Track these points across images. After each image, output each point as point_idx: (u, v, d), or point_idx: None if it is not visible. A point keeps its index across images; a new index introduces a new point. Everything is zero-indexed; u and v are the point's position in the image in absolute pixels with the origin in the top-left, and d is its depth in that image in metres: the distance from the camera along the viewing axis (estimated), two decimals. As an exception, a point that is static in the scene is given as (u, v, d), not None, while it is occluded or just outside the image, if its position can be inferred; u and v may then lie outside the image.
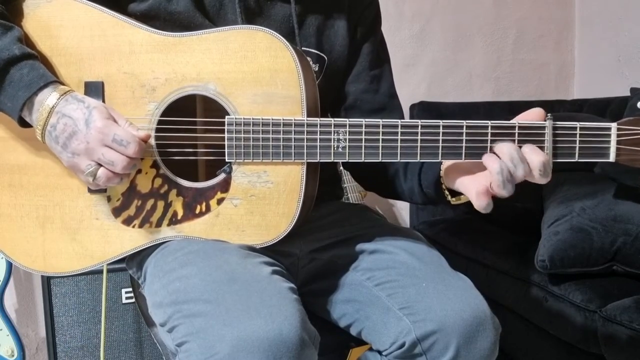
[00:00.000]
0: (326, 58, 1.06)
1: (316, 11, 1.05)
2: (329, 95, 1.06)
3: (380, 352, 0.97)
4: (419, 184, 1.01)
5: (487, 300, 0.94)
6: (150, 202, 0.93)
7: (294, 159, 0.89)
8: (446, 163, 0.94)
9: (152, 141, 0.91)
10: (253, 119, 0.88)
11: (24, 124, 0.88)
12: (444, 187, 0.95)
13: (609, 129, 0.84)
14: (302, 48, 1.02)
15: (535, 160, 0.83)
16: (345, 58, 1.09)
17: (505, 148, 0.83)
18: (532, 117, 0.86)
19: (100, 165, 0.85)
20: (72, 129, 0.84)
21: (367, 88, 1.11)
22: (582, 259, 1.53)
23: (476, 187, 0.86)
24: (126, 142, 0.84)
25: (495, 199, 0.86)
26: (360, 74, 1.11)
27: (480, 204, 0.85)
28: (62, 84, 0.89)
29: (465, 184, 0.89)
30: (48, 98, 0.85)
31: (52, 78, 0.87)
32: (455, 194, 0.95)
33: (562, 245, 1.54)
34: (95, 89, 0.91)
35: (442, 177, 0.95)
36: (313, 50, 1.04)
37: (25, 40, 0.90)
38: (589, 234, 1.53)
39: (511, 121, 0.85)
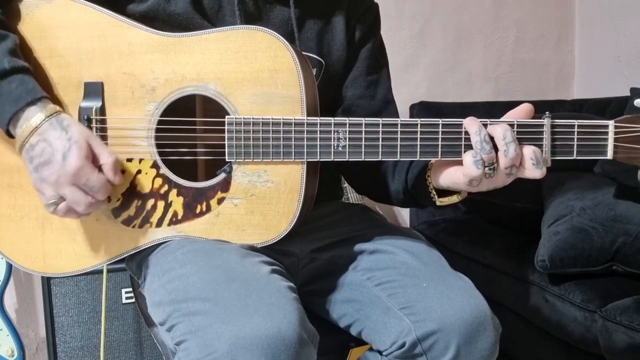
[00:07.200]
0: (324, 62, 1.06)
1: (315, 14, 1.05)
2: (326, 99, 1.06)
3: (380, 352, 0.97)
4: (405, 183, 1.01)
5: (487, 300, 0.94)
6: (151, 202, 0.93)
7: (294, 159, 0.89)
8: (434, 161, 0.94)
9: (152, 141, 0.91)
10: (253, 118, 0.88)
11: (11, 135, 0.88)
12: (428, 181, 0.95)
13: (606, 126, 0.84)
14: (302, 52, 1.02)
15: (525, 152, 0.83)
16: (343, 62, 1.08)
17: (498, 128, 0.83)
18: (519, 113, 0.86)
19: (63, 199, 0.85)
20: (48, 157, 0.83)
21: (364, 94, 1.11)
22: (582, 259, 1.53)
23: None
24: (96, 189, 0.84)
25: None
26: (357, 79, 1.11)
27: (466, 161, 0.84)
28: (52, 100, 0.88)
29: (452, 172, 0.89)
30: (33, 117, 0.84)
31: (40, 93, 0.86)
32: (443, 195, 0.95)
33: (562, 245, 1.53)
34: (94, 90, 0.91)
35: (429, 176, 0.94)
36: (312, 55, 1.04)
37: (23, 42, 0.90)
38: (589, 234, 1.53)
39: (509, 119, 0.85)
